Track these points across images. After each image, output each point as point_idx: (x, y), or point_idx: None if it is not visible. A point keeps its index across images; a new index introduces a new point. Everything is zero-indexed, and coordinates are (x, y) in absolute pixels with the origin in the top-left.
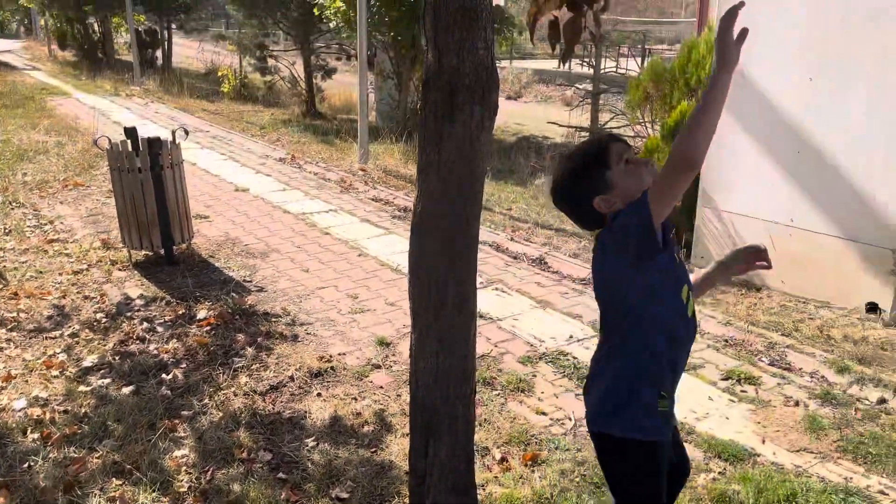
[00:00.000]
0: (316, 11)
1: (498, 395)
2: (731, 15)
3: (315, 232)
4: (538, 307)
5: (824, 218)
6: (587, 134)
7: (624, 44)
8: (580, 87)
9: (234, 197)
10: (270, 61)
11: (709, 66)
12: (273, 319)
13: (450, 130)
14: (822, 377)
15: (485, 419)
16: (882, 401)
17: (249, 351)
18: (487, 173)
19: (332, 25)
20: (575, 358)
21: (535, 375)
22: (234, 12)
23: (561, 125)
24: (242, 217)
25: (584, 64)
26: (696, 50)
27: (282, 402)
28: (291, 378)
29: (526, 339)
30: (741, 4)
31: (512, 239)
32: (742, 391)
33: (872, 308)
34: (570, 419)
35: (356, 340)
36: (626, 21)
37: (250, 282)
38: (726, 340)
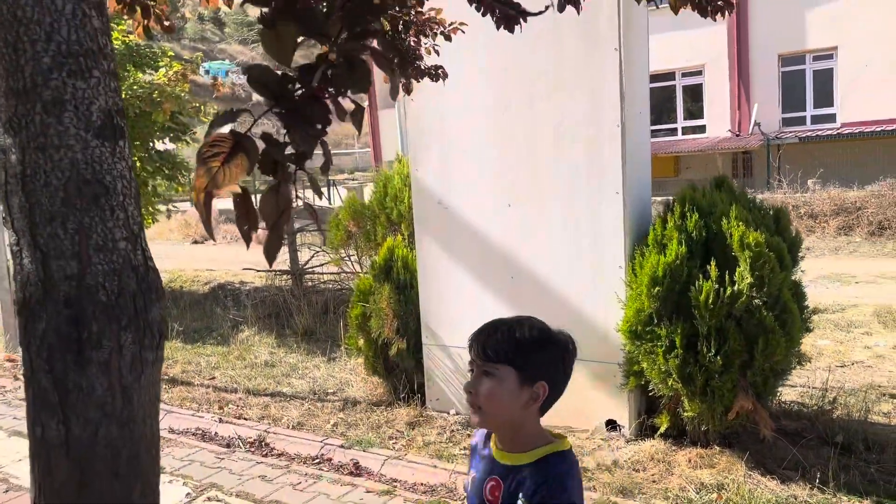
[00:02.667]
0: None
1: None
2: None
3: None
4: None
5: None
6: (288, 277)
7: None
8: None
9: None
10: None
11: (406, 199)
12: None
13: (80, 383)
14: None
15: None
16: None
17: None
18: (176, 336)
19: None
20: None
21: None
22: None
23: (258, 270)
24: None
25: None
26: (392, 184)
27: None
28: None
29: None
30: None
31: (221, 420)
32: None
33: (613, 426)
34: None
35: None
36: None
37: None
38: None
